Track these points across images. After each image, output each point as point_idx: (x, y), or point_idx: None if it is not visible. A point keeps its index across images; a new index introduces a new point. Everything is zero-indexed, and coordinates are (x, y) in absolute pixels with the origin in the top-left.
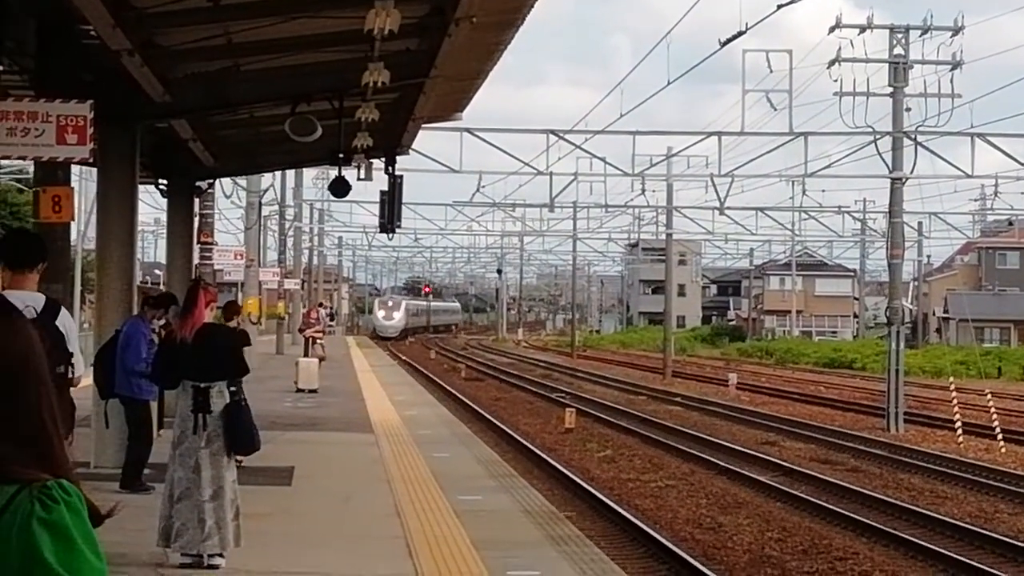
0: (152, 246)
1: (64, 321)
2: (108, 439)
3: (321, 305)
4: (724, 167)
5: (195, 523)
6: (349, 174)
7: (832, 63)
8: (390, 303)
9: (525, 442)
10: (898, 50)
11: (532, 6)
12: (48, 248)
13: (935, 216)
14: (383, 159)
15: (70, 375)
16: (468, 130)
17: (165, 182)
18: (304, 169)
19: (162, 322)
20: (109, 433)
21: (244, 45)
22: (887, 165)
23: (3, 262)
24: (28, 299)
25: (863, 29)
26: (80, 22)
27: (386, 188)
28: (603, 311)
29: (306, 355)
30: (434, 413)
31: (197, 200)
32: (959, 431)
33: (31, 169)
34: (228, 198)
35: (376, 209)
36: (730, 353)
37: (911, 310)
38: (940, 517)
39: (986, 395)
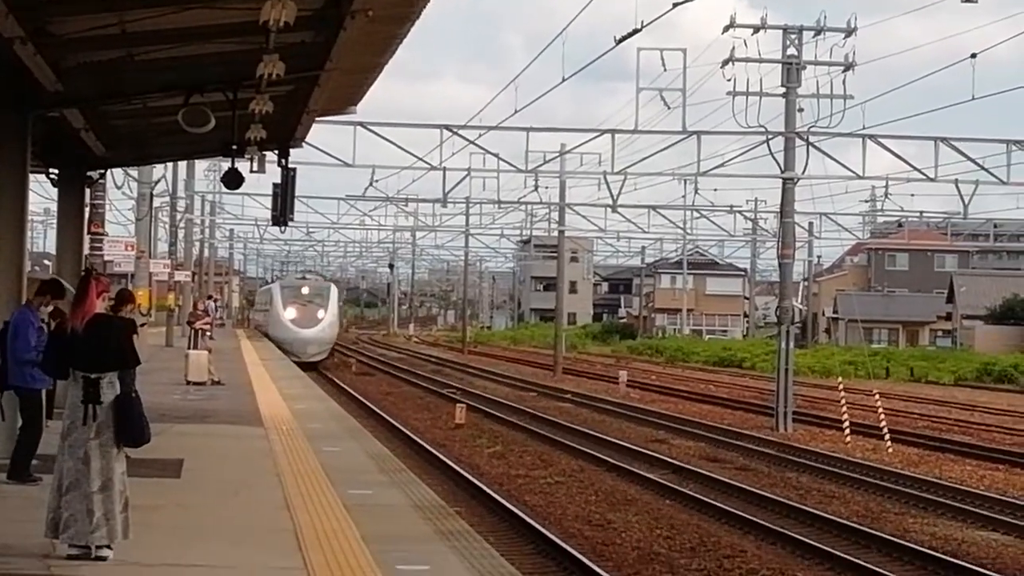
0: (41, 236)
1: None
2: (1, 430)
3: (211, 297)
4: (617, 165)
5: (83, 514)
6: (242, 166)
7: (726, 63)
8: (306, 290)
9: (415, 437)
10: (791, 51)
11: (428, 1)
12: None
13: (826, 217)
14: (276, 152)
15: None
16: (362, 124)
17: (56, 172)
18: (196, 161)
19: (50, 309)
20: (3, 425)
21: (138, 34)
22: (779, 165)
23: None
24: None
25: (757, 29)
26: None
27: (279, 181)
28: (495, 307)
29: (194, 347)
30: (324, 407)
31: (88, 190)
32: (847, 431)
33: None
34: (119, 189)
35: (268, 202)
36: (621, 351)
37: (801, 310)
38: (827, 516)
39: (874, 395)
